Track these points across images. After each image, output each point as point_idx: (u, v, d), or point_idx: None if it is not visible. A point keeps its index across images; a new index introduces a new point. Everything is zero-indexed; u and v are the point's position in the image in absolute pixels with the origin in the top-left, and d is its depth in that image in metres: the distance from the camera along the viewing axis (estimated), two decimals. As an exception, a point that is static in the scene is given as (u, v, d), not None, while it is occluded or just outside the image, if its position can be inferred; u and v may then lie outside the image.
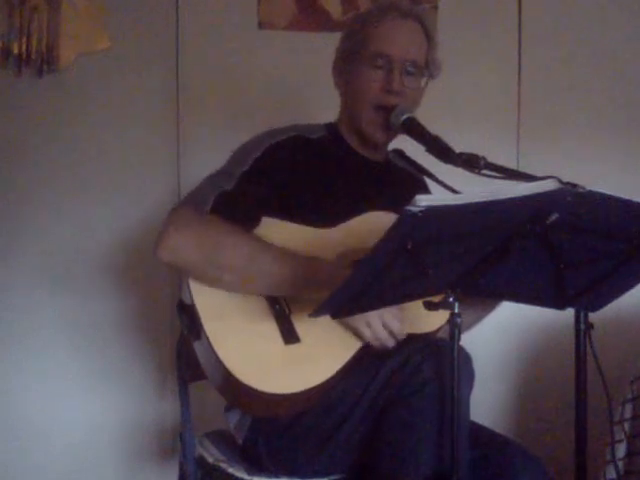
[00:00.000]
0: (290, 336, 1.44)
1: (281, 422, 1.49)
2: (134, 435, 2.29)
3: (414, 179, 1.79)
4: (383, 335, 1.45)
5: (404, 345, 1.44)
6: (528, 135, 2.41)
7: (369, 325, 1.44)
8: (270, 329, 1.44)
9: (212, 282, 1.46)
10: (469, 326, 1.64)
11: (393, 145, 1.76)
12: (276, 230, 1.52)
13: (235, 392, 1.43)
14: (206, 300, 1.45)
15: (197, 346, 1.49)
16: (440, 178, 1.70)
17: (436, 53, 1.66)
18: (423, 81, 1.65)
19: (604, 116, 2.43)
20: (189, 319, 1.46)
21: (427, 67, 1.64)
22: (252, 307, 1.46)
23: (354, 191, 1.63)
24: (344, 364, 1.44)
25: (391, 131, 1.63)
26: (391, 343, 1.45)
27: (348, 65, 1.65)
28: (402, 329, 1.45)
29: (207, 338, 1.41)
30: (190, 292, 1.46)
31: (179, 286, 1.53)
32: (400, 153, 1.78)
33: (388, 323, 1.44)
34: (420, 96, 1.67)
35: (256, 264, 1.45)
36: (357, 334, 1.46)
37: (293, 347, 1.43)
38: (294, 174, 1.57)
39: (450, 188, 1.64)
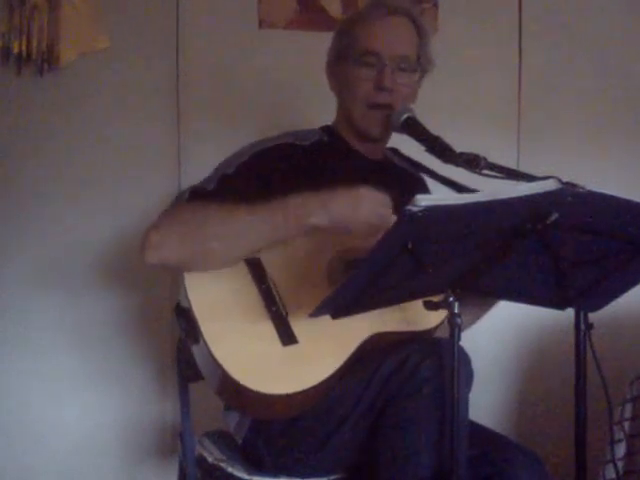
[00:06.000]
0: (287, 338, 1.43)
1: (281, 422, 1.48)
2: (134, 435, 2.29)
3: (413, 178, 1.79)
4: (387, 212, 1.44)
5: (403, 345, 1.44)
6: (528, 135, 2.41)
7: (377, 217, 1.43)
8: (267, 331, 1.44)
9: (203, 261, 1.45)
10: (467, 325, 1.64)
11: (393, 144, 1.76)
12: None
13: (233, 394, 1.42)
14: (203, 302, 1.44)
15: (195, 350, 1.49)
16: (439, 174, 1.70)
17: (428, 47, 1.66)
18: (416, 76, 1.65)
19: (604, 116, 2.43)
20: (186, 322, 1.46)
21: (419, 62, 1.64)
22: (249, 309, 1.46)
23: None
24: (342, 364, 1.44)
25: (389, 127, 1.63)
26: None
27: (340, 65, 1.65)
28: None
29: (204, 340, 1.40)
30: (187, 295, 1.45)
31: (179, 286, 1.53)
32: (397, 152, 1.78)
33: (381, 204, 1.44)
34: (414, 91, 1.66)
35: (235, 221, 1.43)
36: (372, 231, 1.43)
37: (290, 348, 1.43)
38: (285, 179, 1.54)
39: (450, 181, 1.64)
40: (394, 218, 1.39)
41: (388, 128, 1.64)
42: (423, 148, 1.54)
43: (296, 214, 1.43)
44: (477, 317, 1.69)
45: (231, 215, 1.44)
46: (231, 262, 1.47)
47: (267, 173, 1.55)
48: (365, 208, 1.43)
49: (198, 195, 1.50)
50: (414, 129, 1.56)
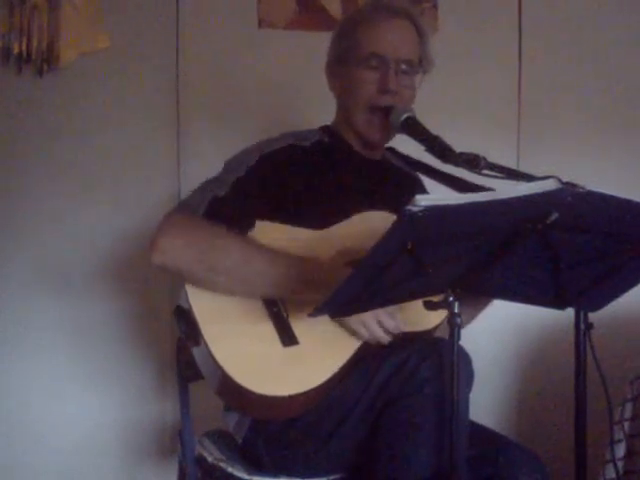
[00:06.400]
0: (288, 339, 1.44)
1: (281, 422, 1.48)
2: (134, 435, 2.29)
3: (410, 177, 1.80)
4: (379, 334, 1.45)
5: (403, 345, 1.44)
6: (528, 135, 2.41)
7: (365, 325, 1.44)
8: (268, 332, 1.44)
9: (207, 285, 1.46)
10: (463, 324, 1.64)
11: (392, 145, 1.76)
12: (272, 233, 1.52)
13: (234, 395, 1.43)
14: (203, 304, 1.45)
15: (196, 351, 1.49)
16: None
17: (428, 48, 1.66)
18: (418, 78, 1.65)
19: (604, 116, 2.43)
20: (187, 324, 1.46)
21: (420, 63, 1.65)
22: (250, 310, 1.46)
23: (352, 190, 1.63)
24: (343, 365, 1.44)
25: (390, 131, 1.63)
26: (387, 340, 1.46)
27: (342, 67, 1.65)
28: (397, 326, 1.46)
29: (205, 342, 1.41)
30: (187, 296, 1.46)
31: (178, 287, 1.53)
32: (394, 151, 1.78)
33: (384, 322, 1.45)
34: (415, 93, 1.67)
35: (250, 266, 1.45)
36: (354, 334, 1.46)
37: (291, 349, 1.43)
38: (289, 181, 1.56)
39: (451, 178, 1.64)
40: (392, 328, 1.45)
41: (388, 133, 1.64)
42: (423, 148, 1.54)
43: (311, 282, 1.43)
44: (472, 317, 1.69)
45: (250, 258, 1.45)
46: (232, 295, 1.47)
47: (275, 174, 1.55)
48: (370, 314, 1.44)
49: (215, 205, 1.49)
50: (414, 129, 1.56)
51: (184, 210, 1.52)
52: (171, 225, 1.47)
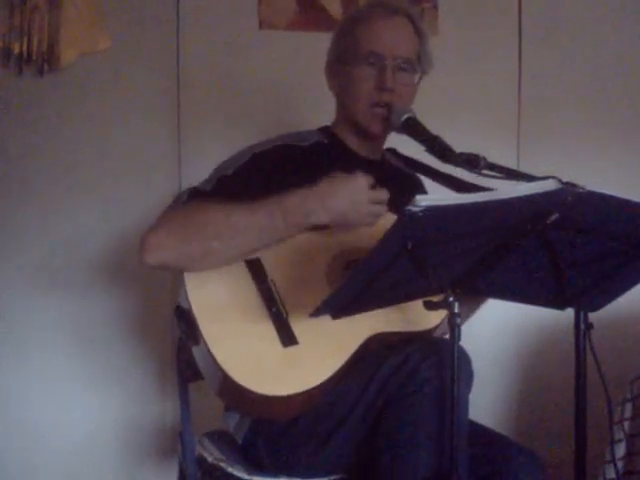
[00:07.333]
0: (288, 338, 1.43)
1: (281, 422, 1.48)
2: (134, 435, 2.29)
3: (410, 178, 1.80)
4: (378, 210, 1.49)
5: (403, 345, 1.44)
6: (528, 135, 2.41)
7: (369, 215, 1.48)
8: (268, 332, 1.44)
9: (206, 260, 1.45)
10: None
11: (392, 145, 1.76)
12: None
13: (234, 395, 1.43)
14: (203, 304, 1.45)
15: (196, 351, 1.49)
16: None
17: (427, 47, 1.67)
18: (416, 77, 1.65)
19: (604, 116, 2.43)
20: (186, 325, 1.46)
21: (419, 62, 1.65)
22: (249, 310, 1.46)
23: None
24: (342, 364, 1.44)
25: (389, 125, 1.63)
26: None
27: (341, 66, 1.66)
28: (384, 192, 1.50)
29: (204, 342, 1.41)
30: (187, 296, 1.45)
31: (178, 287, 1.53)
32: (394, 152, 1.78)
33: (376, 198, 1.48)
34: (414, 92, 1.67)
35: (235, 221, 1.44)
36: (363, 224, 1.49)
37: (291, 349, 1.43)
38: (284, 180, 1.54)
39: (450, 178, 1.64)
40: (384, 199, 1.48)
41: (388, 126, 1.64)
42: (423, 148, 1.54)
43: (295, 214, 1.44)
44: (466, 318, 1.69)
45: (231, 214, 1.44)
46: (230, 261, 1.47)
47: (266, 175, 1.55)
48: (363, 200, 1.46)
49: (197, 196, 1.51)
50: (414, 129, 1.56)
51: (169, 208, 1.53)
52: (156, 224, 1.47)
